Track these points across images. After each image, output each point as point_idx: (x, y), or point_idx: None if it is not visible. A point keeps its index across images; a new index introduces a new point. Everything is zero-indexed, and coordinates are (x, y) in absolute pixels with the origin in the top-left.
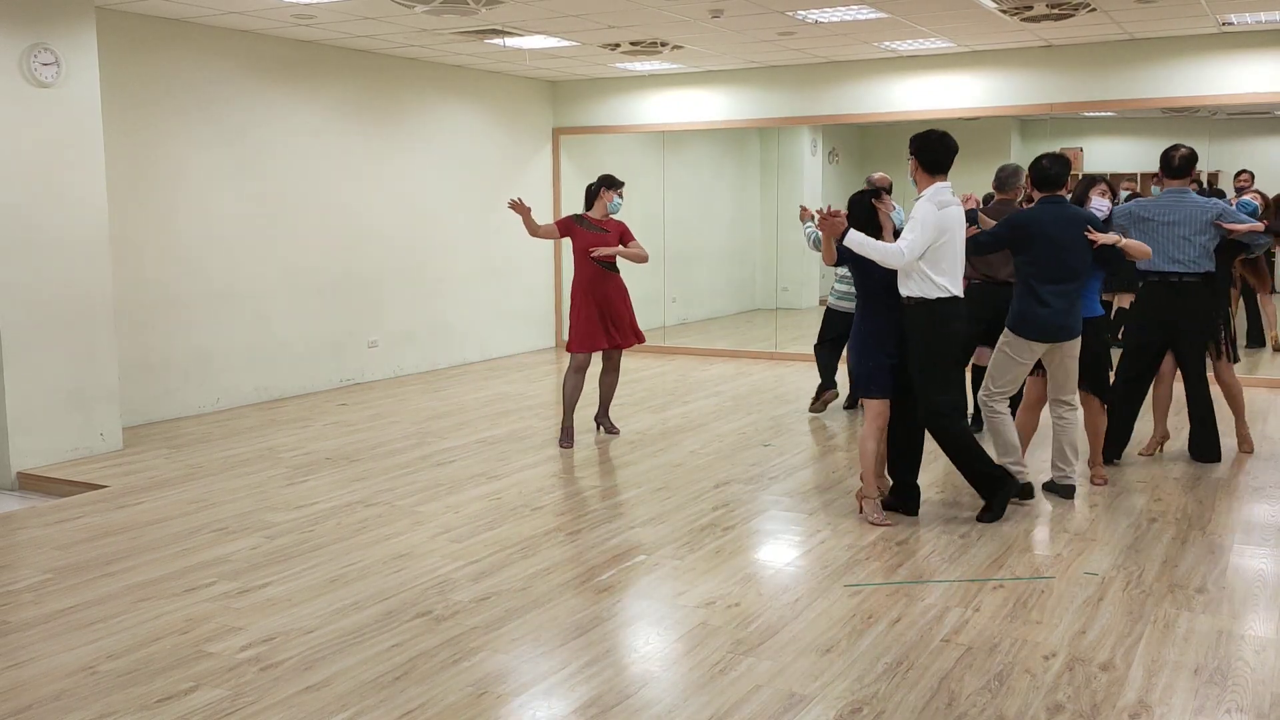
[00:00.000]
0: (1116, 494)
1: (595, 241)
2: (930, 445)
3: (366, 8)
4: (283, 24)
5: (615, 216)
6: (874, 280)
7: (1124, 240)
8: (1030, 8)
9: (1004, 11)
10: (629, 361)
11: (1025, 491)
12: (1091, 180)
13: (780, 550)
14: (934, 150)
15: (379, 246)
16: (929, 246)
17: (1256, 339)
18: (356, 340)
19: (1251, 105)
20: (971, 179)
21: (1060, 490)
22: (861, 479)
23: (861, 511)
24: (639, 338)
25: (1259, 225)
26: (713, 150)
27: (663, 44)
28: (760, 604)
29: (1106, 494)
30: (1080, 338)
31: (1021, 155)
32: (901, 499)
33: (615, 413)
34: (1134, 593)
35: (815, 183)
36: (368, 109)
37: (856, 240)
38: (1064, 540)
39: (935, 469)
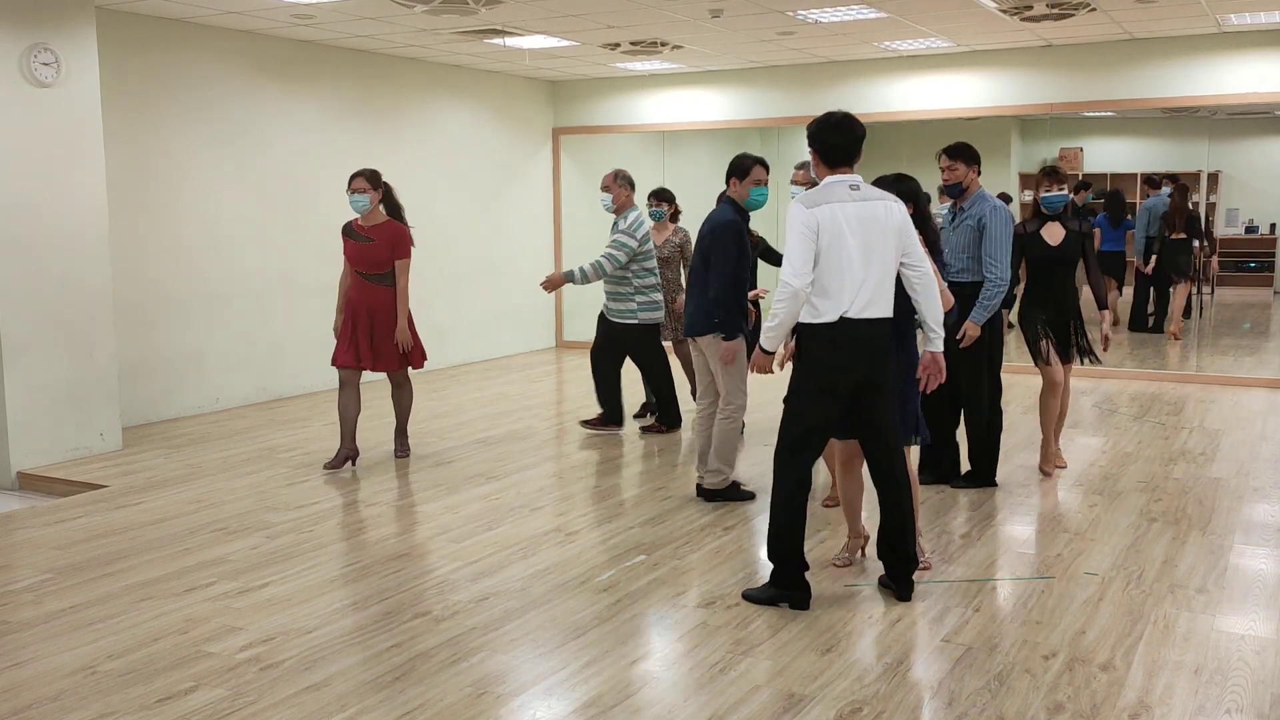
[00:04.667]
0: (1116, 494)
1: (358, 251)
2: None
3: (366, 8)
4: (283, 24)
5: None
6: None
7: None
8: (1030, 7)
9: (1004, 11)
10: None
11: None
12: None
13: None
14: (825, 136)
15: None
16: (816, 257)
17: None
18: None
19: (1251, 105)
20: None
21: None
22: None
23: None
24: (407, 363)
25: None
26: (713, 150)
27: (663, 44)
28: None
29: (1107, 494)
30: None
31: (1022, 155)
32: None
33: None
34: (1134, 593)
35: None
36: (367, 109)
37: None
38: (1064, 540)
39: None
